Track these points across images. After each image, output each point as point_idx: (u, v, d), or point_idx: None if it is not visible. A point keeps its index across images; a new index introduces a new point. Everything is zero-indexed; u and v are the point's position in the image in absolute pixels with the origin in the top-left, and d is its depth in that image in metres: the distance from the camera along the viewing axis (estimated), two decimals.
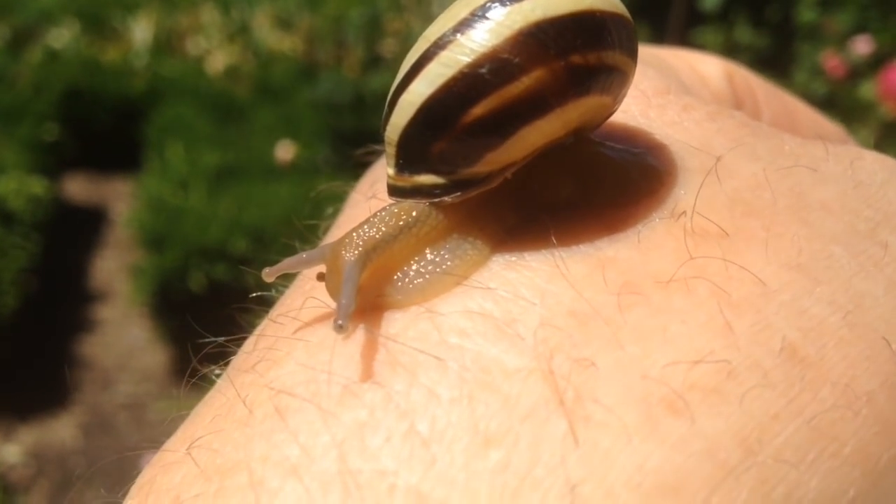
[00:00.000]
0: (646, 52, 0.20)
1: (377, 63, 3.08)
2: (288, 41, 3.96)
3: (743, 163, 0.16)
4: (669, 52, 0.22)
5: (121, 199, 3.16)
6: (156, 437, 0.19)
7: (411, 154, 0.15)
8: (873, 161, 0.18)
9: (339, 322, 0.15)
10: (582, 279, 0.14)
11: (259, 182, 2.57)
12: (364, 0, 3.78)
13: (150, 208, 2.48)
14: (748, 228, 0.15)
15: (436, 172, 0.14)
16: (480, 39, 0.14)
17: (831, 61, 1.40)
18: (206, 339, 0.20)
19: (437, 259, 0.14)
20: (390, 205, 0.15)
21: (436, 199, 0.15)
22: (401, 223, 0.15)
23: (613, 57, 0.15)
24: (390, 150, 0.15)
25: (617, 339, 0.14)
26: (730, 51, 1.35)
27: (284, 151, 2.70)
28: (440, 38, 0.15)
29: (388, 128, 0.15)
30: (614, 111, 0.16)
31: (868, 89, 1.26)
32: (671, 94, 0.18)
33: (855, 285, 0.15)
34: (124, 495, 0.17)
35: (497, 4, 0.14)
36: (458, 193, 0.15)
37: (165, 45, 3.89)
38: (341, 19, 3.72)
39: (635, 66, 0.16)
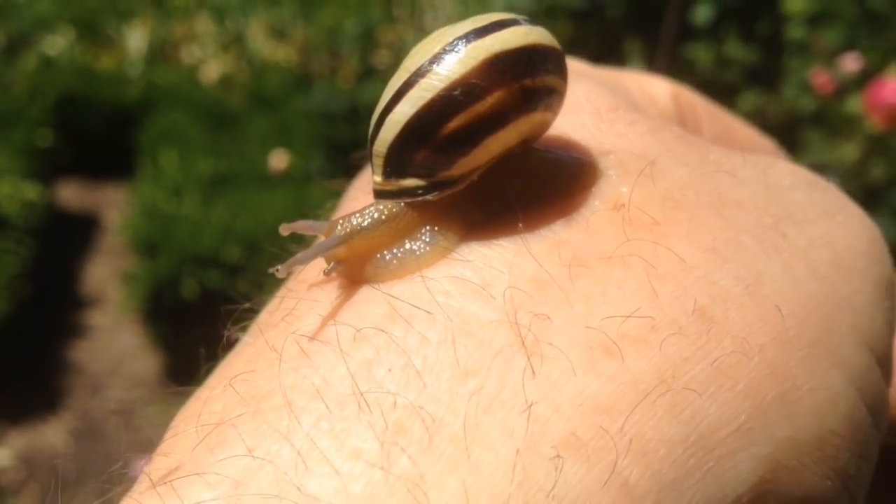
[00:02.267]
0: (603, 74, 0.24)
1: (371, 74, 3.08)
2: (282, 51, 3.97)
3: (674, 167, 0.20)
4: (624, 74, 0.26)
5: (114, 205, 3.16)
6: (145, 443, 0.20)
7: (397, 163, 0.18)
8: (783, 168, 0.22)
9: (288, 263, 0.19)
10: (541, 255, 0.18)
11: (252, 190, 2.57)
12: (358, 11, 3.79)
13: (144, 215, 2.48)
14: (675, 219, 0.19)
15: (418, 177, 0.17)
16: (452, 69, 0.17)
17: (820, 77, 1.41)
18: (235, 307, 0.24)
19: (413, 247, 0.18)
20: (374, 203, 0.19)
21: (418, 199, 0.18)
22: (383, 217, 0.18)
23: (553, 80, 0.18)
24: (378, 161, 0.18)
25: (568, 299, 0.18)
26: (720, 65, 1.36)
27: (278, 160, 2.70)
28: (419, 69, 0.17)
29: (377, 143, 0.18)
30: (552, 124, 0.19)
31: (855, 104, 1.26)
32: (620, 110, 0.22)
33: (757, 265, 0.19)
34: (119, 496, 0.19)
35: (463, 41, 0.17)
36: (436, 193, 0.18)
37: (160, 53, 3.89)
38: (335, 30, 3.72)
39: (566, 86, 0.19)
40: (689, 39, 1.32)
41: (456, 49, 0.17)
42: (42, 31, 3.81)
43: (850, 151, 1.19)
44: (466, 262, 0.18)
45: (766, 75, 1.37)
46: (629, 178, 0.19)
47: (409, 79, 0.17)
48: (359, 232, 0.18)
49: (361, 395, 0.17)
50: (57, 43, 3.76)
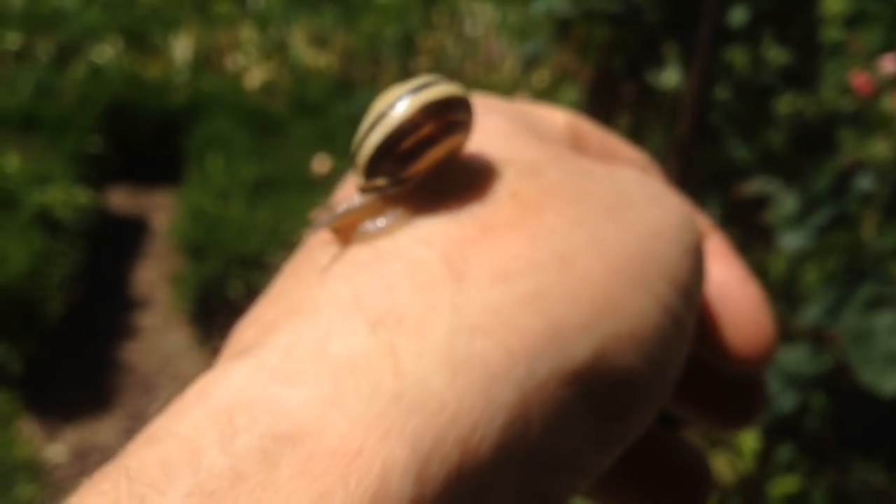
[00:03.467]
0: (514, 107, 0.31)
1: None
2: (324, 58, 4.03)
3: (553, 171, 0.26)
4: (531, 106, 0.32)
5: (162, 209, 3.23)
6: None
7: (372, 170, 0.25)
8: (628, 173, 0.29)
9: (311, 229, 0.25)
10: (462, 220, 0.24)
11: (296, 194, 2.62)
12: (398, 18, 3.83)
13: (191, 219, 2.54)
14: (550, 202, 0.25)
15: (385, 177, 0.25)
16: (403, 111, 0.25)
17: (859, 79, 1.42)
18: None
19: (382, 222, 0.25)
20: (359, 194, 0.26)
21: (385, 191, 0.25)
22: (365, 203, 0.26)
23: (463, 115, 0.26)
24: (360, 169, 0.25)
25: (481, 245, 0.23)
26: (757, 67, 1.38)
27: (320, 165, 2.75)
28: (382, 112, 0.25)
29: (359, 157, 0.25)
30: (466, 143, 0.26)
31: (889, 102, 1.28)
32: (521, 133, 0.28)
33: (600, 230, 0.25)
34: None
35: (408, 94, 0.25)
36: (396, 188, 0.25)
37: (205, 61, 3.96)
38: (376, 37, 3.78)
39: (472, 118, 0.26)
40: (726, 42, 1.34)
41: (403, 99, 0.25)
42: (91, 41, 3.90)
43: (883, 149, 1.21)
44: (410, 229, 0.24)
45: (803, 77, 1.38)
46: (522, 178, 0.26)
47: (377, 118, 0.25)
48: (351, 211, 0.25)
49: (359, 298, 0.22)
50: (105, 52, 3.85)
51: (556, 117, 0.32)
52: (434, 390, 0.20)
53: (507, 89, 3.66)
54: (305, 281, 0.23)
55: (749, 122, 1.37)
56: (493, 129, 0.28)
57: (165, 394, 2.35)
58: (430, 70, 3.29)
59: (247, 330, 0.23)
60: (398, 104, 0.25)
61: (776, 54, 1.36)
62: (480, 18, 4.37)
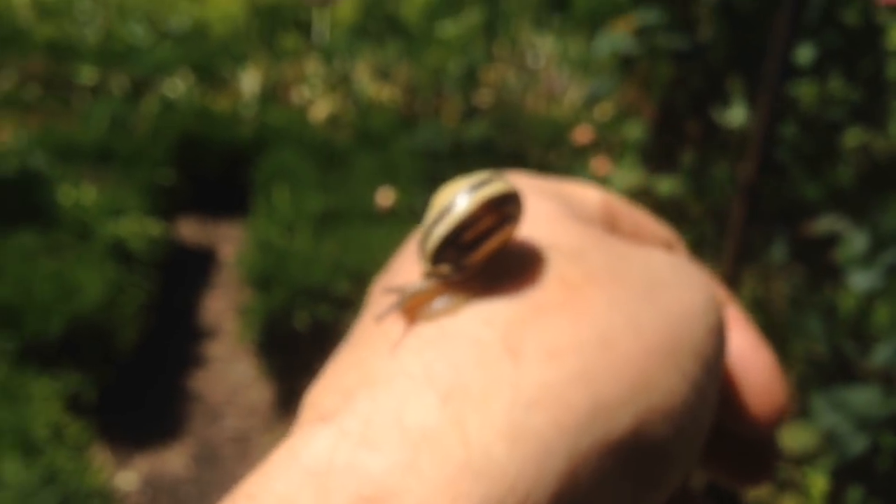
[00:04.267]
0: (550, 186, 0.33)
1: (474, 113, 3.16)
2: (387, 91, 4.08)
3: (594, 256, 0.29)
4: (564, 184, 0.35)
5: (229, 240, 3.30)
6: None
7: (438, 258, 0.27)
8: (658, 256, 0.31)
9: (383, 313, 0.27)
10: (515, 306, 0.26)
11: (360, 226, 2.66)
12: (461, 52, 3.87)
13: (258, 250, 2.58)
14: (592, 286, 0.27)
15: (449, 264, 0.27)
16: (465, 207, 0.27)
17: None
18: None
19: (442, 304, 0.26)
20: (425, 278, 0.28)
21: (448, 278, 0.27)
22: (430, 286, 0.28)
23: (515, 209, 0.28)
24: (427, 257, 0.27)
25: (540, 322, 0.26)
26: (823, 103, 1.38)
27: (384, 197, 2.78)
28: (446, 207, 0.27)
29: (425, 247, 0.27)
30: (516, 232, 0.29)
31: None
32: (563, 217, 0.31)
33: (635, 311, 0.27)
34: None
35: (469, 191, 0.27)
36: (458, 275, 0.27)
37: (271, 94, 4.05)
38: (439, 71, 3.82)
39: (521, 211, 0.28)
40: (792, 78, 1.34)
41: (464, 196, 0.27)
42: (163, 75, 4.01)
43: None
44: (472, 310, 0.26)
45: (870, 113, 1.37)
46: (567, 262, 0.28)
47: (441, 212, 0.27)
48: (419, 293, 0.27)
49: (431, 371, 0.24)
50: (177, 86, 3.95)
51: (591, 197, 0.34)
52: (496, 459, 0.22)
53: (568, 122, 3.67)
54: (379, 352, 0.26)
55: (816, 159, 1.37)
56: (541, 214, 0.31)
57: (232, 423, 2.39)
58: (493, 103, 3.32)
59: (326, 395, 0.25)
60: (460, 200, 0.28)
61: (843, 90, 1.35)
62: (542, 51, 4.39)
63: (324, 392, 0.26)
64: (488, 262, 0.28)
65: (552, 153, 3.42)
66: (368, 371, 0.25)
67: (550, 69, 4.43)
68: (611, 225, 0.34)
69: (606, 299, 0.27)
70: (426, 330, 0.26)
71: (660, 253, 0.31)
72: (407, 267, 0.30)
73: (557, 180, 0.34)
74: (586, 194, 0.34)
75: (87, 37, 4.59)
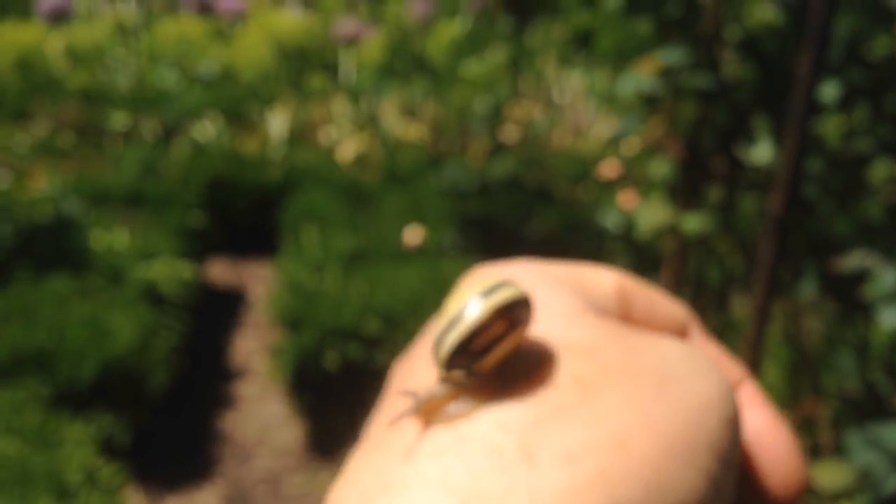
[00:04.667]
0: (563, 271, 0.34)
1: (500, 150, 3.18)
2: (414, 130, 4.12)
3: (610, 352, 0.29)
4: (578, 269, 0.35)
5: (260, 281, 3.32)
6: None
7: (451, 364, 0.27)
8: (672, 346, 0.31)
9: (396, 418, 0.28)
10: (531, 409, 0.27)
11: (389, 265, 2.67)
12: (487, 89, 3.90)
13: (288, 290, 2.60)
14: (608, 384, 0.28)
15: (462, 370, 0.27)
16: (476, 315, 0.27)
17: None
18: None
19: (456, 408, 0.27)
20: (439, 384, 0.29)
21: (461, 384, 0.28)
22: (444, 392, 0.28)
23: (525, 313, 0.28)
24: (440, 363, 0.28)
25: (550, 422, 0.26)
26: (849, 137, 1.37)
27: (412, 236, 2.80)
28: (458, 314, 0.28)
29: (438, 354, 0.28)
30: (527, 332, 0.29)
31: None
32: (577, 311, 0.31)
33: (650, 408, 0.27)
34: None
35: (479, 298, 0.28)
36: (471, 380, 0.27)
37: (299, 136, 4.09)
38: (465, 109, 3.84)
39: (531, 314, 0.29)
40: (817, 114, 1.34)
41: (475, 303, 0.28)
42: (193, 120, 4.07)
43: None
44: (487, 414, 0.27)
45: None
46: (581, 362, 0.28)
47: (453, 320, 0.28)
48: (433, 398, 0.28)
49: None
50: (207, 130, 4.01)
51: (606, 282, 0.35)
52: None
53: (595, 157, 3.68)
54: (396, 457, 0.27)
55: (844, 194, 1.36)
56: (554, 309, 0.31)
57: (263, 464, 2.40)
58: (520, 139, 3.34)
59: (346, 498, 0.27)
60: (471, 307, 0.29)
61: (869, 124, 1.35)
62: (567, 85, 4.42)
63: (344, 494, 0.27)
64: (501, 365, 0.29)
65: (579, 188, 3.43)
66: (386, 476, 0.26)
67: (577, 104, 4.45)
68: (625, 309, 0.34)
69: (621, 397, 0.27)
70: (442, 435, 0.26)
71: (673, 344, 0.32)
72: (421, 369, 0.31)
73: (571, 265, 0.35)
74: (601, 279, 0.35)
75: (118, 83, 4.68)
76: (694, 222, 1.40)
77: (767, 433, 0.34)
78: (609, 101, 4.45)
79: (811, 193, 1.37)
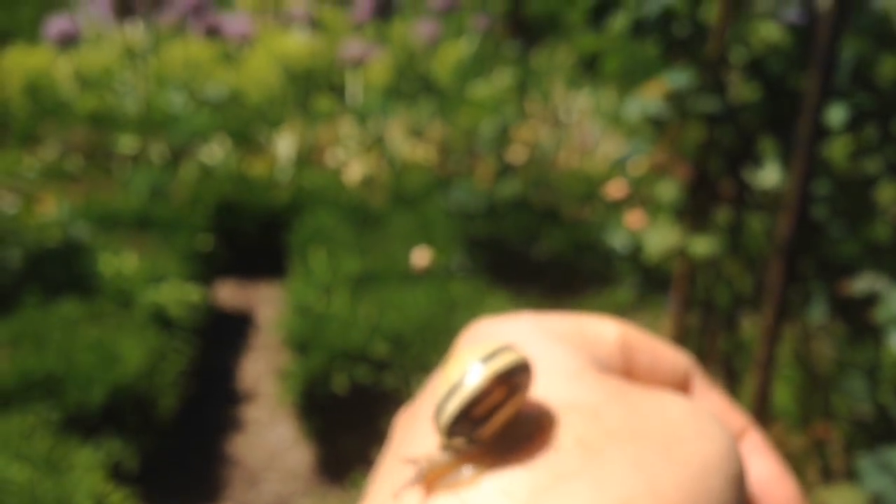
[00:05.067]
0: (564, 325, 0.34)
1: (507, 171, 3.18)
2: (421, 151, 4.13)
3: (613, 412, 0.29)
4: (580, 320, 0.35)
5: (267, 303, 3.33)
6: None
7: (451, 432, 0.27)
8: (674, 402, 0.31)
9: (402, 488, 0.28)
10: (532, 474, 0.27)
11: (397, 287, 2.67)
12: (494, 110, 3.91)
13: (296, 313, 2.60)
14: (612, 446, 0.28)
15: (463, 437, 0.27)
16: (475, 383, 0.27)
17: None
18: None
19: (459, 476, 0.27)
20: (440, 451, 0.29)
21: (462, 450, 0.28)
22: (445, 459, 0.28)
23: (525, 378, 0.28)
24: (441, 431, 0.28)
25: (559, 486, 0.26)
26: (857, 159, 1.37)
27: (420, 257, 2.80)
28: (457, 381, 0.28)
29: (439, 421, 0.28)
30: (527, 396, 0.29)
31: None
32: (579, 371, 0.31)
33: (656, 471, 0.27)
34: None
35: (478, 364, 0.28)
36: (472, 447, 0.28)
37: (307, 157, 4.10)
38: (472, 130, 3.86)
39: (531, 377, 0.29)
40: (825, 137, 1.34)
41: (474, 370, 0.28)
42: (201, 143, 4.09)
43: None
44: (491, 480, 0.27)
45: None
46: (585, 423, 0.28)
47: (453, 387, 0.28)
48: (435, 465, 0.28)
49: None
50: (214, 153, 4.02)
51: (608, 334, 0.35)
52: None
53: (602, 177, 3.69)
54: None
55: (853, 216, 1.36)
56: (556, 368, 0.32)
57: (272, 487, 2.39)
58: (526, 159, 3.35)
59: None
60: (470, 374, 0.28)
61: (877, 146, 1.35)
62: (574, 105, 4.43)
63: None
64: (502, 431, 0.29)
65: (586, 208, 3.43)
66: None
67: (583, 123, 4.46)
68: (628, 362, 0.35)
69: (626, 461, 0.27)
70: (446, 503, 0.27)
71: (678, 401, 0.32)
72: (423, 432, 0.31)
73: (573, 318, 0.35)
74: (603, 331, 0.35)
75: (126, 107, 4.70)
76: (702, 245, 1.40)
77: (773, 482, 0.34)
78: (615, 121, 4.46)
79: (819, 215, 1.37)
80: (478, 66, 5.60)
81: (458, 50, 5.76)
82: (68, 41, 4.64)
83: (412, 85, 5.18)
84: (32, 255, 2.64)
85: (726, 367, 1.65)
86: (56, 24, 4.55)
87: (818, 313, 1.31)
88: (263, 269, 3.51)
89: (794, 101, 1.31)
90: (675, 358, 0.37)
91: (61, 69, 5.12)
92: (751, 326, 1.73)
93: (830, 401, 1.46)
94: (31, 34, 6.01)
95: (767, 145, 1.38)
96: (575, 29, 1.72)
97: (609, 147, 4.15)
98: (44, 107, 4.47)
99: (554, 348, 0.32)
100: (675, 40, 1.46)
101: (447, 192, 3.17)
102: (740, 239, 1.48)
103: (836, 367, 1.44)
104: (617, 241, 2.93)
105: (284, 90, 5.04)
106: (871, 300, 1.24)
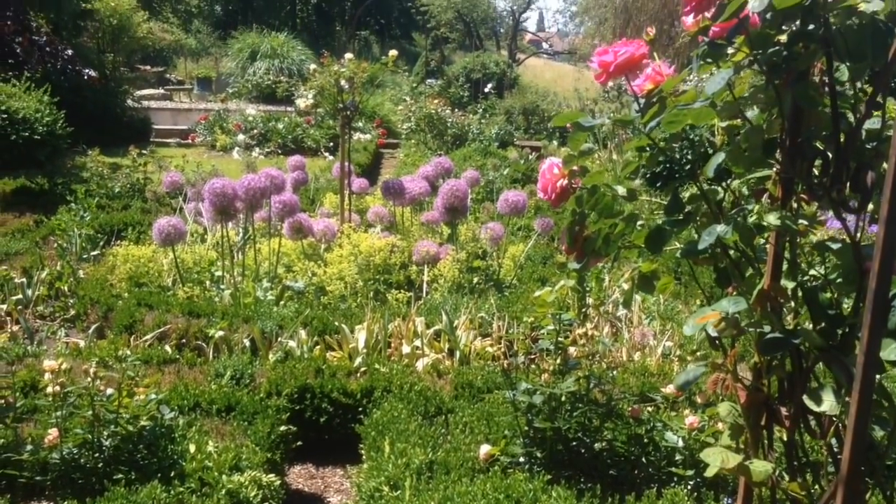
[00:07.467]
0: None
1: (568, 366, 3.14)
2: (487, 345, 4.12)
3: None
4: None
5: (339, 491, 3.26)
6: None
7: None
8: None
9: None
10: None
11: (462, 478, 2.60)
12: (556, 306, 3.91)
13: (366, 502, 2.55)
14: None
15: None
16: None
17: None
18: None
19: None
20: None
21: None
22: None
23: None
24: None
25: None
26: None
27: (486, 455, 2.75)
28: None
29: None
30: None
31: None
32: None
33: None
34: None
35: None
36: None
37: (380, 348, 4.12)
38: (535, 327, 3.85)
39: None
40: (881, 369, 1.30)
41: None
42: (284, 332, 4.16)
43: None
44: None
45: None
46: None
47: None
48: None
49: None
50: (298, 341, 4.08)
51: None
52: None
53: (660, 372, 3.62)
54: None
55: None
56: None
57: None
58: (585, 355, 3.31)
59: None
60: None
61: None
62: (632, 304, 4.42)
63: None
64: None
65: (646, 404, 3.35)
66: None
67: (641, 320, 4.43)
68: None
69: None
70: None
71: None
72: None
73: None
74: None
75: (218, 296, 4.84)
76: (760, 469, 1.34)
77: None
78: (671, 318, 4.42)
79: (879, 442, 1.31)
80: (539, 265, 5.67)
81: (521, 249, 5.86)
82: (174, 242, 4.85)
83: (479, 281, 5.25)
84: (124, 437, 2.65)
85: None
86: (164, 229, 4.77)
87: None
88: (337, 455, 3.47)
89: (852, 333, 1.28)
90: None
91: (162, 262, 5.32)
92: None
93: None
94: (140, 233, 6.31)
95: (825, 372, 1.34)
96: (631, 255, 1.74)
97: (667, 343, 4.10)
98: (145, 297, 4.62)
99: None
100: (726, 271, 1.46)
101: (511, 386, 3.13)
102: (798, 461, 1.42)
103: None
104: (675, 440, 2.84)
105: (363, 284, 5.14)
106: None
